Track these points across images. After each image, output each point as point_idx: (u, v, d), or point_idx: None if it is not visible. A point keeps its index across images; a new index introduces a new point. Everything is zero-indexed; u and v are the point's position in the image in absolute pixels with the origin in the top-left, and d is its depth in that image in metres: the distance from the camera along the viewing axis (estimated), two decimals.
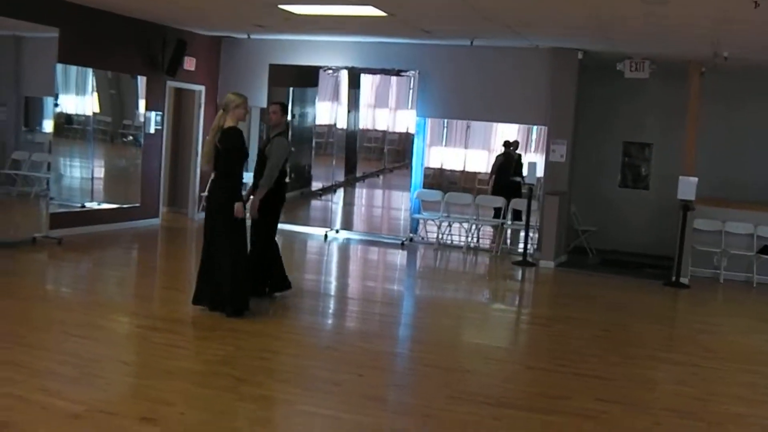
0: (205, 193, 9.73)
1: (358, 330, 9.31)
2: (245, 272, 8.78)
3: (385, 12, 11.63)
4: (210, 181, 9.16)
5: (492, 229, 15.57)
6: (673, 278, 13.29)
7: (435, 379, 7.35)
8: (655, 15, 9.98)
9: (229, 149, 8.60)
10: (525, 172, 14.75)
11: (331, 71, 16.14)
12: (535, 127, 15.75)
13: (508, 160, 15.84)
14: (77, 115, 14.29)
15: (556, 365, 8.07)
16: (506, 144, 15.86)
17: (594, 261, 15.33)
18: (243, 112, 8.82)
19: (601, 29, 11.59)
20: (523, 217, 14.41)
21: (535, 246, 14.66)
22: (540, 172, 14.60)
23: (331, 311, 9.84)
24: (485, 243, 15.67)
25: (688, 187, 13.16)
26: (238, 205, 8.61)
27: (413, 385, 7.26)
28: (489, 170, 16.27)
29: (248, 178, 9.80)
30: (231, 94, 8.91)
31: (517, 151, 15.74)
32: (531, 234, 14.45)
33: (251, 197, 9.44)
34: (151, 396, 6.23)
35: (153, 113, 15.39)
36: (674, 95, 15.52)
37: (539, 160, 14.90)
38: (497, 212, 15.38)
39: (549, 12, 10.72)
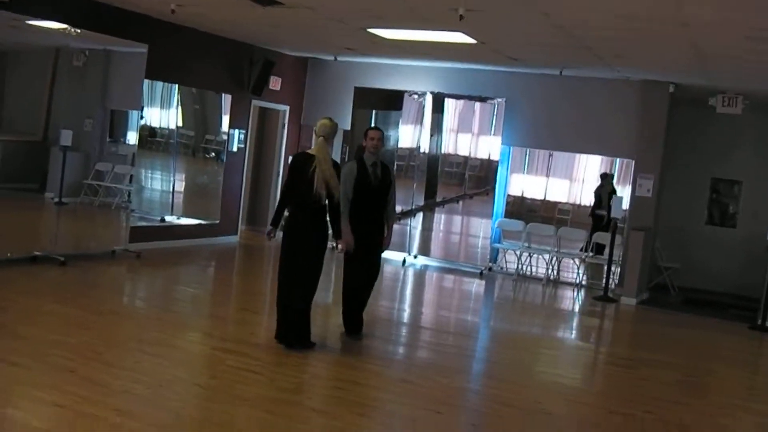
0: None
1: (435, 363, 9.08)
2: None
3: (475, 39, 11.49)
4: (301, 211, 8.45)
5: (572, 262, 15.24)
6: (759, 321, 12.86)
7: (513, 420, 7.14)
8: (756, 51, 9.69)
9: (339, 183, 8.44)
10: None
11: (416, 96, 16.03)
12: (618, 160, 15.46)
13: (598, 193, 15.55)
14: (161, 128, 14.42)
15: (640, 411, 7.78)
16: (602, 176, 15.58)
17: (676, 299, 14.96)
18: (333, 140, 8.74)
19: (699, 63, 11.30)
20: (607, 252, 14.11)
21: (617, 281, 14.34)
22: (625, 205, 14.29)
23: (406, 341, 9.65)
24: (566, 276, 15.36)
25: None
26: (341, 242, 8.70)
27: (492, 426, 7.05)
28: (571, 200, 16.03)
29: None
30: (330, 120, 8.56)
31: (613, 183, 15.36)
32: (613, 269, 14.14)
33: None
34: (224, 422, 6.13)
35: (236, 131, 15.42)
36: (766, 132, 15.12)
37: (624, 193, 14.58)
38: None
39: (647, 44, 10.46)
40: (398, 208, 16.23)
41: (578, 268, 14.97)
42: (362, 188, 8.99)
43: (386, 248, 9.27)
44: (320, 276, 8.52)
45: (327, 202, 8.36)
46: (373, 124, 16.73)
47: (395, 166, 16.05)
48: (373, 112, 16.91)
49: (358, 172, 9.01)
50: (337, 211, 8.52)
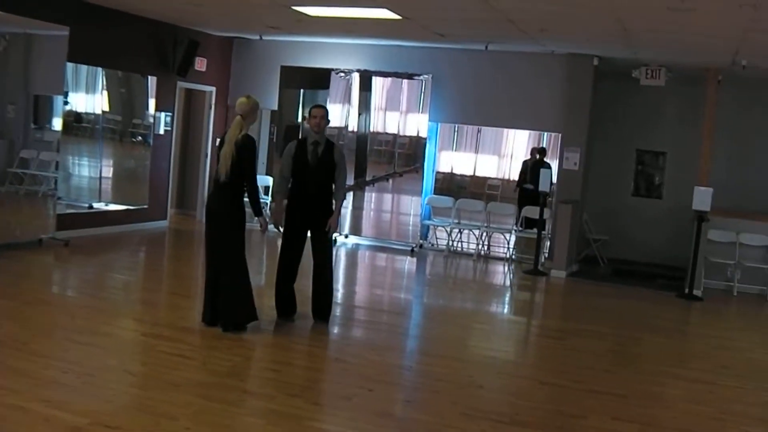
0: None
1: (368, 341, 9.12)
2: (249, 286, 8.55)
3: (399, 15, 11.49)
4: (215, 190, 8.59)
5: (502, 237, 15.34)
6: (686, 290, 13.10)
7: (446, 395, 7.19)
8: (678, 23, 9.81)
9: (251, 159, 8.34)
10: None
11: (342, 74, 16.00)
12: (545, 134, 15.59)
13: (524, 168, 15.68)
14: (86, 113, 14.20)
15: (570, 381, 7.89)
16: (532, 151, 15.70)
17: (606, 271, 15.17)
18: (256, 118, 8.60)
19: (622, 36, 11.42)
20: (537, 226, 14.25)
21: (547, 255, 14.48)
22: (553, 179, 14.42)
23: (339, 320, 9.63)
24: (496, 251, 15.46)
25: (703, 197, 13.00)
26: (261, 220, 8.45)
27: (425, 401, 7.09)
28: (500, 176, 16.17)
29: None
30: (247, 98, 8.51)
31: (546, 159, 15.44)
32: (543, 242, 14.29)
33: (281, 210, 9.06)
34: (157, 410, 6.06)
35: (163, 114, 15.25)
36: (690, 103, 15.35)
37: (552, 167, 14.72)
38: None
39: (570, 17, 10.54)
40: None
41: (508, 243, 15.07)
42: (299, 167, 8.94)
43: (332, 229, 9.04)
44: (239, 253, 8.41)
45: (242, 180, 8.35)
46: (301, 104, 16.70)
47: None
48: (301, 91, 16.87)
49: (296, 150, 8.98)
50: (252, 188, 8.41)
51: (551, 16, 10.65)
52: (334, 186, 9.08)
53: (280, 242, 9.22)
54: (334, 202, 9.11)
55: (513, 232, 14.98)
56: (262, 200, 15.84)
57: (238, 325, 8.38)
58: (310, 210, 8.92)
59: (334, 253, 9.87)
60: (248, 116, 8.44)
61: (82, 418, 5.73)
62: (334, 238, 9.31)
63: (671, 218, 15.60)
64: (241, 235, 8.42)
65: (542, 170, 14.22)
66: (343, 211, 14.97)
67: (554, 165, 14.83)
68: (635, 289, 13.55)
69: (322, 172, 8.97)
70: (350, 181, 15.98)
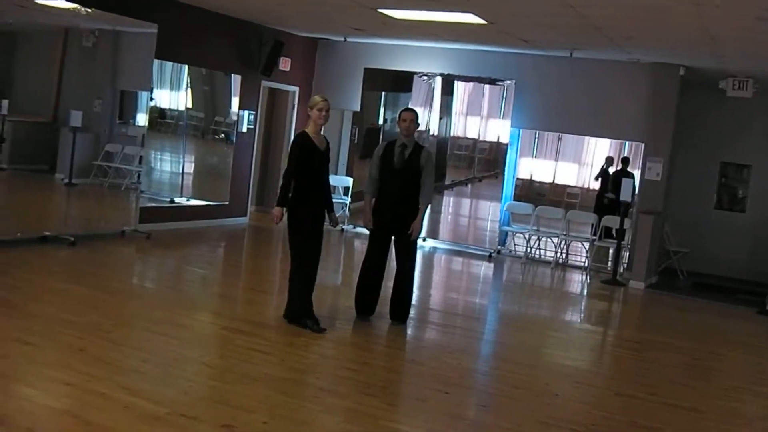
0: None
1: (444, 344, 9.10)
2: (304, 281, 8.52)
3: (485, 20, 11.47)
4: None
5: (581, 246, 15.21)
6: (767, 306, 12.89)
7: (522, 402, 7.15)
8: (767, 32, 9.65)
9: (290, 155, 8.42)
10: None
11: (425, 77, 16.01)
12: (627, 143, 15.43)
13: (605, 177, 15.56)
14: (171, 109, 14.42)
15: (646, 393, 7.78)
16: (607, 160, 15.60)
17: (685, 284, 14.96)
18: (317, 114, 8.43)
19: (709, 45, 11.26)
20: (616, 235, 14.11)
21: (625, 265, 14.33)
22: (635, 189, 14.28)
23: (415, 323, 9.62)
24: (574, 260, 15.34)
25: None
26: (275, 210, 8.37)
27: (500, 407, 7.05)
28: (580, 184, 16.09)
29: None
30: (315, 95, 8.69)
31: (628, 168, 15.30)
32: (622, 253, 14.14)
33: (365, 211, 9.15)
34: (233, 402, 6.13)
35: (246, 112, 15.42)
36: None
37: (634, 177, 14.58)
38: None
39: (657, 24, 10.43)
40: None
41: (587, 252, 14.95)
42: (386, 169, 9.01)
43: (415, 234, 8.99)
44: (293, 251, 8.45)
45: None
46: (382, 106, 16.75)
47: None
48: (383, 93, 16.92)
49: (384, 152, 9.04)
50: (283, 181, 8.47)
51: (638, 23, 10.55)
52: (420, 189, 9.03)
53: (363, 243, 9.25)
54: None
55: (592, 241, 14.84)
56: (340, 200, 16.14)
57: (291, 318, 8.47)
58: (395, 212, 8.94)
59: (417, 257, 9.82)
60: (311, 114, 8.51)
61: (161, 408, 5.81)
62: (417, 240, 9.26)
63: (754, 232, 15.38)
64: (291, 234, 8.44)
65: (624, 180, 14.06)
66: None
67: (636, 174, 14.67)
68: (715, 304, 13.34)
69: (409, 174, 8.96)
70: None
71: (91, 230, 12.11)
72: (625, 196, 13.81)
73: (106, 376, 6.33)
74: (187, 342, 7.71)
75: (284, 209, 8.34)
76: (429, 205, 9.33)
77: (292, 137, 15.86)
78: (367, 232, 9.26)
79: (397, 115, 9.25)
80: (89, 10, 11.54)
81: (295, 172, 8.30)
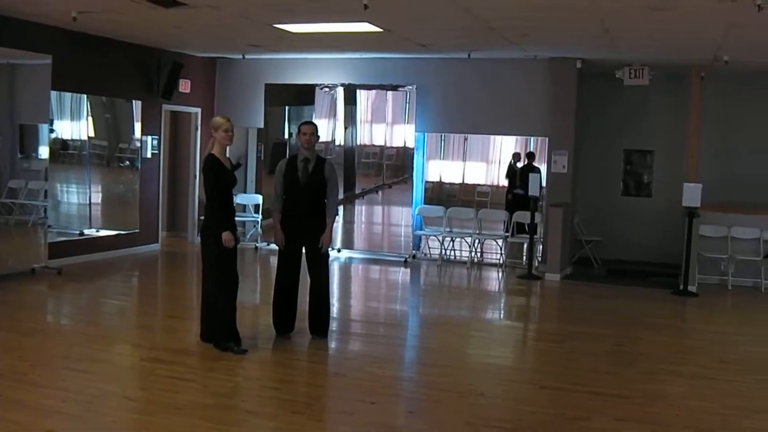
0: None
1: (367, 354, 9.11)
2: (230, 303, 8.45)
3: (380, 28, 11.52)
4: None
5: (495, 244, 15.34)
6: (681, 286, 13.12)
7: (449, 405, 7.18)
8: (659, 21, 9.86)
9: (207, 178, 8.29)
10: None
11: (327, 89, 16.01)
12: (532, 138, 15.63)
13: (512, 173, 15.75)
14: (73, 140, 14.18)
15: (570, 384, 7.88)
16: (514, 156, 15.79)
17: (600, 272, 15.19)
18: (224, 135, 8.36)
19: (604, 38, 11.46)
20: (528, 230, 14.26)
21: (540, 259, 14.49)
22: (543, 183, 14.46)
23: (337, 335, 9.60)
24: (489, 257, 15.46)
25: (693, 193, 13.02)
26: (225, 235, 8.17)
27: (428, 412, 7.07)
28: (489, 182, 16.24)
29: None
30: (215, 117, 8.60)
31: (534, 163, 15.50)
32: (536, 247, 14.30)
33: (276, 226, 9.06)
34: None
35: (149, 137, 15.24)
36: (674, 101, 15.45)
37: (541, 171, 14.76)
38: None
39: (552, 22, 10.58)
40: None
41: (501, 249, 15.08)
42: (290, 184, 8.97)
43: (325, 246, 9.01)
44: (223, 273, 8.34)
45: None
46: (287, 121, 16.70)
47: None
48: (286, 108, 16.86)
49: (287, 168, 9.00)
50: (210, 206, 8.36)
51: (532, 21, 10.69)
52: (326, 202, 9.06)
53: (276, 260, 9.22)
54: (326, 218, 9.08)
55: (505, 238, 14.97)
56: (251, 218, 16.06)
57: (217, 343, 8.39)
58: (304, 227, 8.91)
59: (330, 268, 9.79)
60: (214, 134, 8.41)
61: None
62: (329, 253, 9.26)
63: (662, 216, 15.64)
64: (218, 255, 8.32)
65: (531, 175, 14.22)
66: (334, 225, 14.95)
67: (543, 168, 14.86)
68: (630, 289, 13.56)
69: (314, 188, 8.96)
70: (340, 195, 16.00)
71: (0, 271, 11.84)
72: (533, 190, 13.95)
73: (27, 419, 6.20)
74: (107, 377, 7.57)
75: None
76: (336, 217, 9.34)
77: (199, 160, 15.87)
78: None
79: (297, 129, 9.24)
80: None
81: (219, 193, 8.26)
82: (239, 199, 15.70)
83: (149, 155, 15.31)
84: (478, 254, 15.38)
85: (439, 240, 15.40)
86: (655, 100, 15.82)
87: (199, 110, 16.61)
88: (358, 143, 16.22)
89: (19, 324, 9.44)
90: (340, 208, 15.71)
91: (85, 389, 7.07)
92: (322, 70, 16.02)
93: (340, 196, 15.51)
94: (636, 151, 16.45)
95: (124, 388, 7.31)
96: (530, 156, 15.52)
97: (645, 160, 16.43)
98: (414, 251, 15.59)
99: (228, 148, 8.62)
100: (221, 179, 8.33)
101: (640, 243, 15.96)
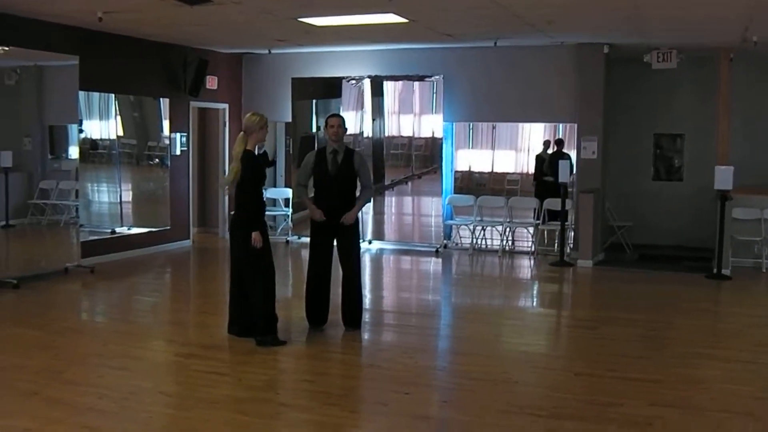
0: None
1: (400, 344, 9.11)
2: (271, 297, 8.53)
3: (406, 18, 11.49)
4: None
5: (526, 231, 15.30)
6: (715, 270, 13.03)
7: (483, 393, 7.17)
8: (685, 3, 9.79)
9: (247, 175, 8.33)
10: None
11: (354, 81, 16.01)
12: (560, 125, 15.57)
13: (540, 161, 15.69)
14: (102, 139, 14.28)
15: (604, 370, 7.86)
16: (545, 144, 15.74)
17: (632, 257, 15.11)
18: (265, 133, 8.59)
19: (631, 22, 11.39)
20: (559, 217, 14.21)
21: (571, 245, 14.44)
22: (572, 170, 14.39)
23: (369, 326, 9.60)
24: (520, 245, 15.42)
25: (724, 176, 12.91)
26: (255, 235, 8.26)
27: (462, 401, 7.07)
28: (518, 170, 16.19)
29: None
30: (252, 115, 8.54)
31: (564, 150, 15.44)
32: (567, 234, 14.24)
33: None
34: (196, 428, 6.11)
35: (178, 134, 15.31)
36: (703, 84, 15.35)
37: (570, 157, 14.71)
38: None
39: (577, 6, 10.52)
40: None
41: (532, 237, 15.04)
42: (320, 177, 9.02)
43: (348, 219, 8.93)
44: (259, 268, 8.40)
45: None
46: (314, 114, 16.73)
47: None
48: (313, 101, 16.89)
49: (316, 161, 9.03)
50: (247, 203, 8.39)
51: (558, 8, 10.64)
52: (358, 192, 9.12)
53: (308, 253, 9.25)
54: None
55: (536, 225, 14.92)
56: (282, 212, 16.10)
57: (258, 336, 8.43)
58: (335, 218, 8.92)
59: (362, 259, 9.77)
60: (251, 132, 8.43)
61: None
62: (360, 245, 9.29)
63: (694, 200, 15.54)
64: (261, 251, 8.39)
65: (561, 161, 14.16)
66: (364, 216, 14.99)
67: (572, 155, 14.80)
68: (663, 273, 13.50)
69: (344, 180, 9.00)
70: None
71: (34, 270, 11.93)
72: (563, 177, 13.89)
73: (64, 417, 6.25)
74: (142, 373, 7.63)
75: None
76: (367, 202, 9.37)
77: (227, 156, 15.90)
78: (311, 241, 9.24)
79: (324, 122, 9.26)
80: (6, 48, 11.41)
81: (254, 188, 8.46)
82: (269, 193, 15.74)
83: (178, 152, 15.37)
84: (510, 242, 15.34)
85: (470, 229, 15.37)
86: (684, 84, 15.72)
87: (226, 106, 16.66)
88: (386, 135, 16.21)
89: (54, 323, 9.53)
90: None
91: (121, 386, 7.12)
92: (348, 63, 16.01)
93: None
94: (666, 135, 16.34)
95: (160, 384, 7.37)
96: (559, 143, 15.46)
97: (675, 143, 16.32)
98: (445, 241, 15.57)
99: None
100: (258, 175, 8.45)
101: (672, 227, 15.87)
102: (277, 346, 8.32)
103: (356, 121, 16.17)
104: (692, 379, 7.66)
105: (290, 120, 16.62)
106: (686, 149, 16.19)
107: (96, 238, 13.78)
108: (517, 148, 16.39)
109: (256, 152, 8.61)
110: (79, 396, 6.83)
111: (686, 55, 13.90)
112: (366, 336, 9.24)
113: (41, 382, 7.12)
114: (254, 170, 8.37)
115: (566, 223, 14.13)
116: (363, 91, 16.08)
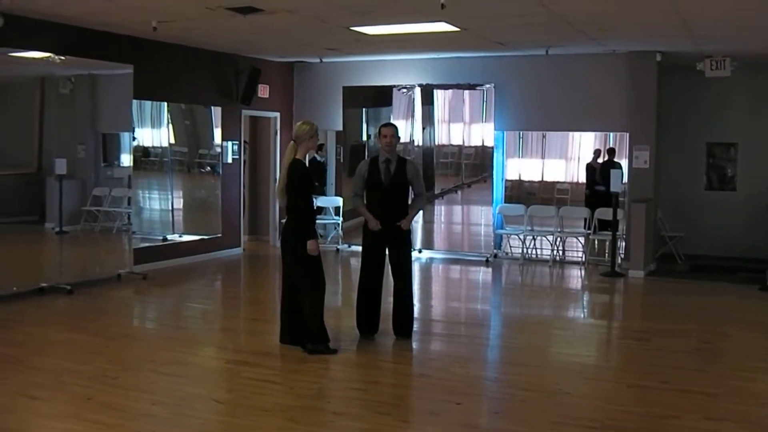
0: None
1: (451, 354, 9.09)
2: (321, 306, 8.53)
3: (457, 27, 11.48)
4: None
5: (577, 241, 15.20)
6: None
7: (535, 404, 7.12)
8: (738, 10, 9.69)
9: (297, 184, 8.36)
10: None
11: (404, 90, 16.02)
12: (611, 134, 15.46)
13: (591, 170, 15.58)
14: (154, 147, 14.43)
15: (657, 382, 7.76)
16: (595, 152, 15.63)
17: (684, 267, 14.96)
18: (316, 142, 8.65)
19: (683, 29, 11.29)
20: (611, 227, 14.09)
21: (623, 255, 14.31)
22: (624, 179, 14.28)
23: (420, 335, 9.57)
24: (571, 255, 15.32)
25: None
26: (311, 243, 8.31)
27: (513, 412, 7.02)
28: (568, 179, 16.09)
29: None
30: (303, 124, 8.55)
31: (615, 159, 15.28)
32: (618, 243, 14.12)
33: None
34: None
35: (230, 142, 15.42)
36: (758, 92, 15.22)
37: (622, 167, 14.60)
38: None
39: (629, 14, 10.45)
40: None
41: (583, 247, 14.94)
42: (373, 186, 9.03)
43: (404, 225, 8.96)
44: (311, 276, 8.43)
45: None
46: (365, 122, 16.77)
47: None
48: (364, 110, 16.92)
49: (369, 170, 9.02)
50: (300, 212, 8.41)
51: (610, 15, 10.58)
52: (412, 200, 9.15)
53: (359, 262, 9.26)
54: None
55: (587, 235, 14.82)
56: (332, 221, 16.14)
57: (309, 345, 8.43)
58: (387, 228, 8.92)
59: (413, 269, 9.75)
60: (301, 141, 8.45)
61: None
62: (412, 254, 9.28)
63: (747, 209, 15.38)
64: (303, 259, 8.41)
65: (613, 171, 14.06)
66: (414, 226, 14.90)
67: (624, 164, 14.69)
68: (716, 284, 13.35)
69: (396, 189, 9.01)
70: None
71: (87, 276, 12.07)
72: (615, 186, 13.80)
73: (117, 422, 6.31)
74: (194, 379, 7.68)
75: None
76: (420, 210, 9.36)
77: (278, 164, 15.98)
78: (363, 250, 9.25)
79: (377, 131, 9.27)
80: (62, 57, 11.56)
81: (307, 198, 8.51)
82: (319, 201, 15.78)
83: (230, 160, 15.48)
84: (560, 252, 15.25)
85: (520, 239, 15.30)
86: (739, 92, 15.55)
87: (278, 115, 16.74)
88: (437, 143, 16.19)
89: (107, 328, 9.62)
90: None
91: (173, 392, 7.17)
92: (398, 71, 16.03)
93: None
94: (719, 144, 16.17)
95: (211, 391, 7.42)
96: (611, 152, 15.34)
97: (728, 153, 16.15)
98: (495, 250, 15.50)
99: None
100: (310, 185, 8.50)
101: (725, 237, 15.70)
102: (328, 355, 8.34)
103: (407, 130, 16.16)
104: (749, 393, 7.55)
105: (341, 128, 16.67)
106: (740, 158, 16.01)
107: (148, 245, 13.92)
108: (567, 157, 16.28)
109: (306, 160, 8.64)
110: (132, 401, 6.89)
111: (740, 63, 13.76)
112: (416, 345, 9.20)
113: (95, 387, 7.19)
114: (302, 179, 8.40)
115: (617, 233, 14.02)
116: (413, 100, 16.08)
